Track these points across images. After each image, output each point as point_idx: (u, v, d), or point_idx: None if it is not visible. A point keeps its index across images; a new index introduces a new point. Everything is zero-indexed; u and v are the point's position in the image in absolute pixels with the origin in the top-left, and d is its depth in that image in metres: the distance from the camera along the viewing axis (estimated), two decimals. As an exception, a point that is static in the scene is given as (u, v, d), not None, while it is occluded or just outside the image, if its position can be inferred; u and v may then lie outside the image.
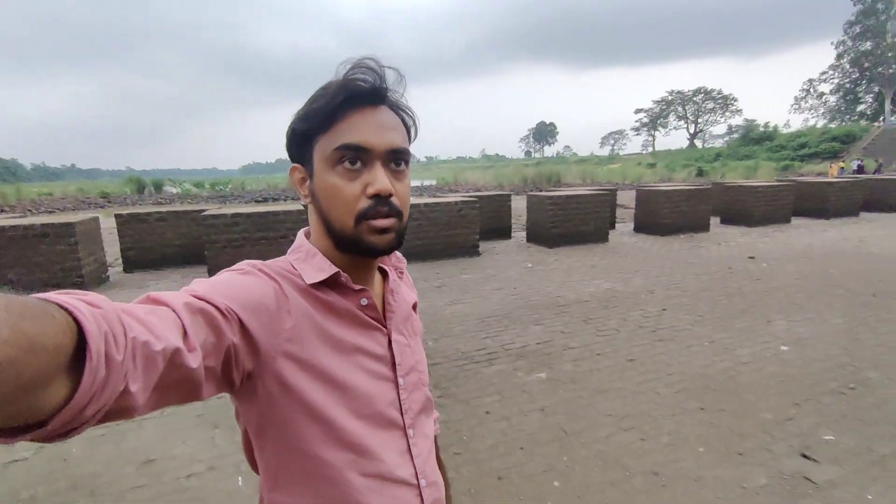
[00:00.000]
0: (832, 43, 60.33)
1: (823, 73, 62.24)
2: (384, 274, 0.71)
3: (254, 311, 0.53)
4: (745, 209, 9.84)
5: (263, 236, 6.30)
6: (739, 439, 2.39)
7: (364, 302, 0.63)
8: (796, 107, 65.47)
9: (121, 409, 0.39)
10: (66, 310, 0.34)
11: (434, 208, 7.21)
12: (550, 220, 8.03)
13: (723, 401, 2.76)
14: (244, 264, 0.60)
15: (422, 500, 0.66)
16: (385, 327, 0.66)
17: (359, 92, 0.57)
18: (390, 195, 0.58)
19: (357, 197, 0.58)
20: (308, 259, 0.63)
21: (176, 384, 0.44)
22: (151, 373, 0.40)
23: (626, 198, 11.40)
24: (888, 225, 9.58)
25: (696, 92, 79.49)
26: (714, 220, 9.85)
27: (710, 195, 9.44)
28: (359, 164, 0.58)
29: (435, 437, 0.84)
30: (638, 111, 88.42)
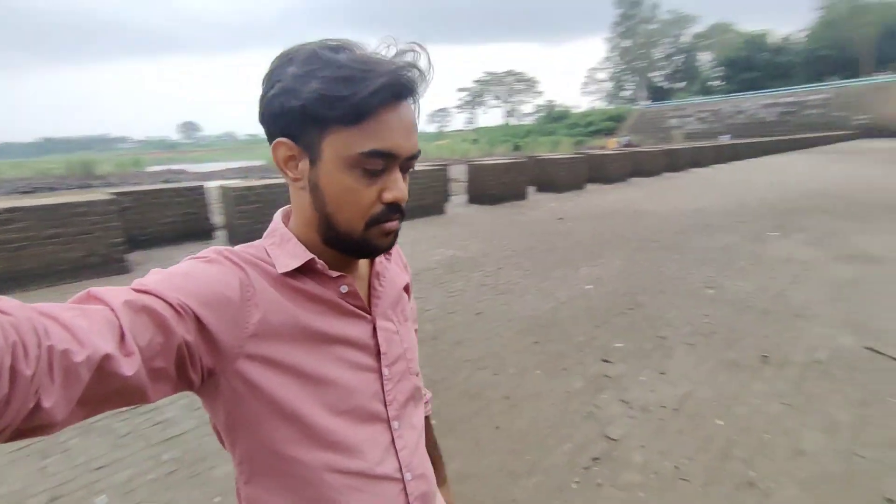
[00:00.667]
0: (605, 38, 73.20)
1: (600, 63, 75.22)
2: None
3: (213, 305, 0.48)
4: (553, 178, 11.62)
5: (57, 234, 5.16)
6: (562, 359, 3.05)
7: (344, 289, 0.58)
8: (584, 91, 78.18)
9: (35, 427, 0.36)
10: None
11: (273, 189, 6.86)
12: (393, 196, 8.32)
13: (550, 333, 3.45)
14: (210, 251, 0.54)
15: (406, 494, 0.62)
16: (369, 314, 0.61)
17: (403, 90, 0.51)
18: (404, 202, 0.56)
19: (372, 202, 0.54)
20: (282, 244, 0.57)
21: (111, 393, 0.40)
22: (73, 386, 0.36)
23: (457, 172, 12.41)
24: (647, 187, 12.38)
25: (508, 74, 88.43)
26: (531, 189, 11.40)
27: (527, 167, 10.91)
28: (380, 170, 0.53)
29: (427, 419, 0.82)
30: (461, 90, 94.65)
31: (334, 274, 0.58)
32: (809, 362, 2.88)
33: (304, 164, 0.54)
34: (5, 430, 0.34)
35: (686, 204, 9.17)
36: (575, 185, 12.02)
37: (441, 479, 0.88)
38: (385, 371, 0.62)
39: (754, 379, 2.72)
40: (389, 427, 0.62)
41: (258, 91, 0.55)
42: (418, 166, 9.28)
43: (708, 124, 46.39)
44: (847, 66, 53.74)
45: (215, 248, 0.55)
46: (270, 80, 0.53)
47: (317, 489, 0.56)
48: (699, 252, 5.58)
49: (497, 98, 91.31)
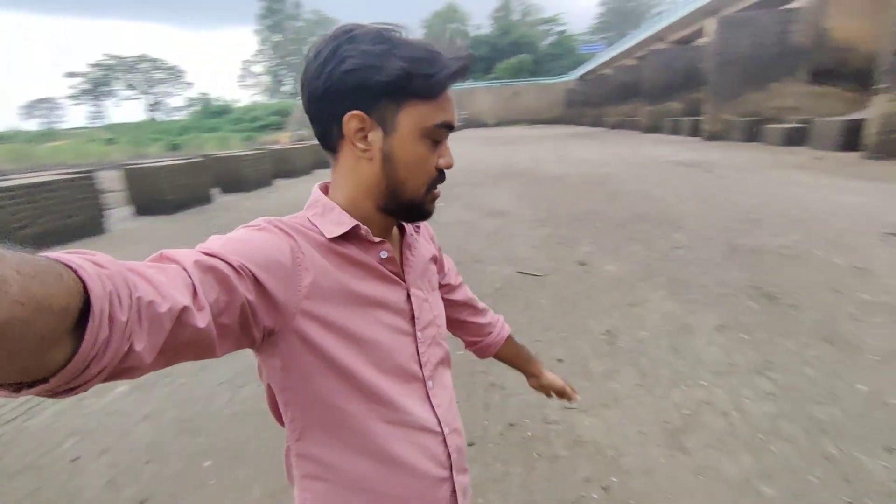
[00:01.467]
0: (254, 30, 70.86)
1: (254, 56, 72.74)
2: (401, 229, 0.70)
3: (269, 269, 0.52)
4: (238, 176, 10.87)
5: None
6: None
7: (384, 255, 0.63)
8: (241, 84, 74.18)
9: (128, 368, 0.39)
10: (72, 269, 0.34)
11: None
12: (17, 219, 6.06)
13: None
14: (261, 220, 0.57)
15: (446, 446, 0.68)
16: (404, 281, 0.67)
17: (467, 73, 0.59)
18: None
19: (434, 169, 0.62)
20: (325, 213, 0.61)
21: (186, 343, 0.43)
22: (157, 333, 0.40)
23: (108, 179, 9.95)
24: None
25: (141, 59, 74.32)
26: (215, 191, 10.34)
27: (207, 167, 9.80)
28: (440, 140, 0.62)
29: (511, 336, 0.97)
30: (72, 75, 73.52)
31: (376, 239, 0.62)
32: (493, 291, 3.94)
33: (374, 136, 0.59)
34: (104, 370, 0.37)
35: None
36: (263, 181, 11.63)
37: (539, 364, 1.03)
38: (419, 334, 0.67)
39: (468, 314, 3.53)
40: (425, 385, 0.68)
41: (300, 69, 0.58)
42: (44, 178, 6.99)
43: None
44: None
45: (265, 218, 0.58)
46: (335, 56, 0.56)
47: (364, 437, 0.61)
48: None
49: (132, 88, 75.69)
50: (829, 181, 7.96)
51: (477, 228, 6.18)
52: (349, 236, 0.60)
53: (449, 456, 0.69)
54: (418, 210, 0.64)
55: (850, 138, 11.29)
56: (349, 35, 0.56)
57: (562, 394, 1.04)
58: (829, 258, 4.23)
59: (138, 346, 0.38)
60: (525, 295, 3.82)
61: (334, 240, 0.59)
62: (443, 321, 0.74)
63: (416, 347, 0.67)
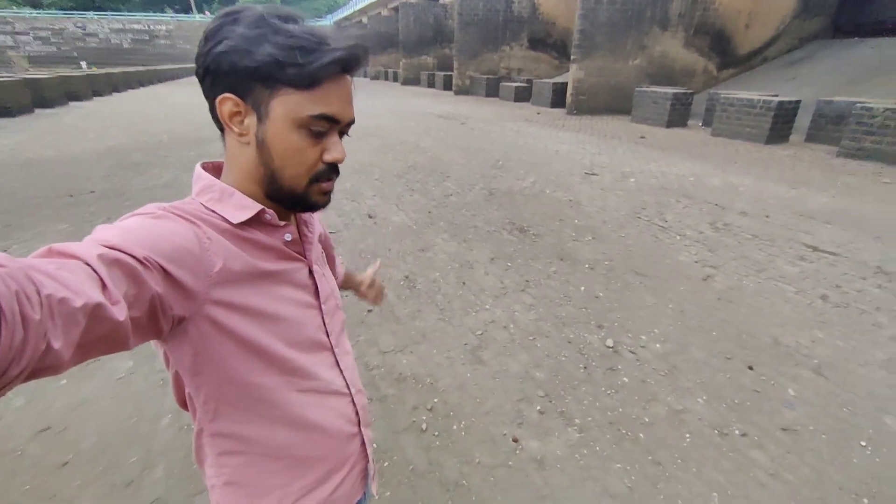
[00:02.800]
0: None
1: None
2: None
3: (177, 259, 0.51)
4: None
5: None
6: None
7: (289, 237, 0.65)
8: None
9: (47, 367, 0.39)
10: None
11: None
12: None
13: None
14: (153, 207, 0.55)
15: (354, 405, 0.75)
16: (306, 258, 0.69)
17: (352, 64, 0.58)
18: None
19: (316, 161, 0.61)
20: (225, 198, 0.60)
21: (101, 338, 0.43)
22: (73, 329, 0.39)
23: None
24: (21, 129, 9.87)
25: None
26: None
27: None
28: (323, 133, 0.60)
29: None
30: None
31: (282, 223, 0.64)
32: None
33: (250, 121, 0.58)
34: (23, 371, 0.36)
35: (88, 145, 8.17)
36: None
37: (358, 274, 1.14)
38: (323, 307, 0.71)
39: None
40: (333, 353, 0.73)
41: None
42: None
43: (55, 46, 39.50)
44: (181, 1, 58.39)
45: (157, 205, 0.56)
46: (216, 36, 0.55)
47: (281, 408, 0.65)
48: (147, 193, 5.45)
49: None
50: (547, 133, 10.10)
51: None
52: (253, 221, 0.61)
53: (357, 413, 0.76)
54: (301, 201, 0.63)
55: (558, 97, 14.39)
56: (235, 16, 0.56)
57: (371, 285, 1.18)
58: (555, 195, 5.53)
59: (56, 344, 0.38)
60: (324, 254, 3.84)
61: (239, 225, 0.59)
62: (338, 292, 0.80)
63: (322, 319, 0.71)
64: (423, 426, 2.07)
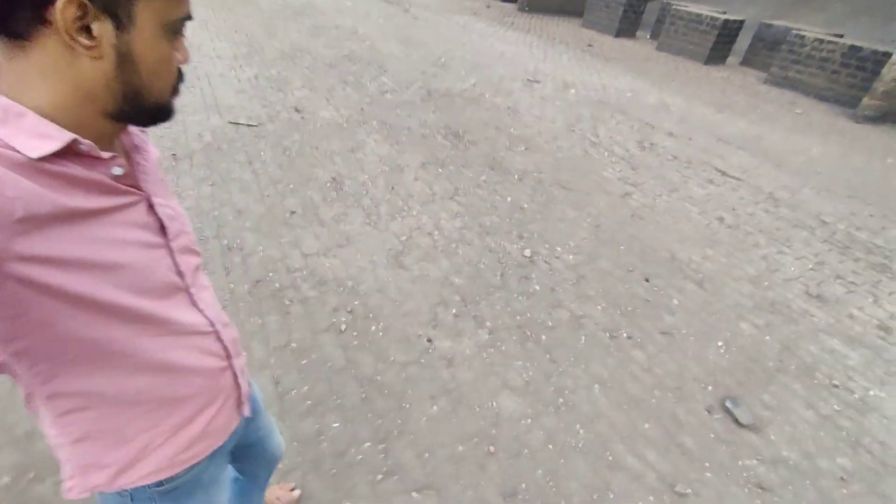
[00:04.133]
0: None
1: None
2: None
3: None
4: None
5: None
6: None
7: (117, 171, 0.55)
8: None
9: None
10: None
11: None
12: None
13: None
14: None
15: (221, 340, 0.71)
16: (142, 191, 0.59)
17: None
18: None
19: (176, 68, 0.56)
20: (11, 121, 0.46)
21: None
22: None
23: None
24: None
25: None
26: None
27: None
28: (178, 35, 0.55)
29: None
30: None
31: (106, 155, 0.53)
32: (204, 146, 3.49)
33: (103, 29, 0.47)
34: None
35: None
36: None
37: None
38: (173, 245, 0.63)
39: (179, 175, 3.09)
40: (188, 293, 0.67)
41: None
42: None
43: None
44: None
45: None
46: None
47: (134, 357, 0.59)
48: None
49: None
50: (494, 30, 9.49)
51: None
52: (64, 153, 0.49)
53: (225, 348, 0.73)
54: (164, 113, 0.58)
55: (509, -11, 13.32)
56: None
57: None
58: (494, 100, 5.37)
59: None
60: (243, 148, 3.55)
61: (43, 159, 0.47)
62: (189, 226, 0.69)
63: (173, 258, 0.63)
64: (343, 327, 2.15)
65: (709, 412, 1.99)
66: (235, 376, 0.76)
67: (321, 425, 1.72)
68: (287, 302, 2.24)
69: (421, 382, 1.94)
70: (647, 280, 2.74)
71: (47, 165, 0.47)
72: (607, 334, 2.32)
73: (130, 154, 0.61)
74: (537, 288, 2.56)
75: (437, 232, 2.91)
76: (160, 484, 0.69)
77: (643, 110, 5.66)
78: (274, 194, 3.04)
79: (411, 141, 4.07)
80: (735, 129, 5.42)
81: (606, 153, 4.35)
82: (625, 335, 2.33)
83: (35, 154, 0.46)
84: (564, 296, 2.53)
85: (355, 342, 2.09)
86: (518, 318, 2.35)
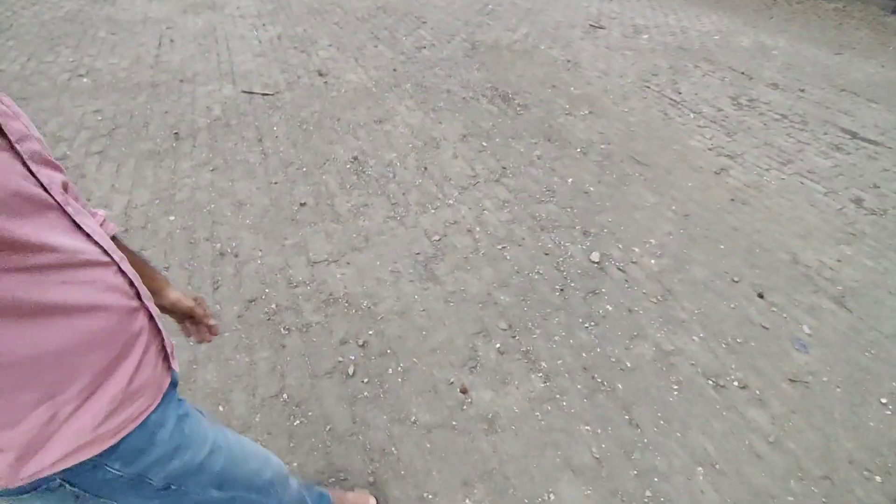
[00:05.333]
0: None
1: None
2: None
3: None
4: None
5: None
6: None
7: None
8: None
9: None
10: None
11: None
12: None
13: None
14: None
15: (123, 273, 0.60)
16: None
17: None
18: None
19: None
20: None
21: None
22: None
23: None
24: None
25: None
26: None
27: None
28: None
29: (117, 238, 0.74)
30: None
31: None
32: (211, 122, 3.03)
33: None
34: None
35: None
36: None
37: (164, 282, 0.83)
38: (18, 147, 0.50)
39: (177, 158, 2.66)
40: (65, 213, 0.54)
41: None
42: None
43: None
44: None
45: None
46: None
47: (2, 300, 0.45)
48: (38, 28, 4.28)
49: None
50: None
51: (178, 31, 4.52)
52: None
53: (132, 283, 0.62)
54: None
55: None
56: None
57: (192, 316, 0.86)
58: (550, 52, 4.52)
59: None
60: (254, 122, 3.06)
61: None
62: (38, 133, 0.56)
63: (24, 164, 0.51)
64: (351, 370, 1.65)
65: (877, 521, 1.35)
66: (152, 318, 0.65)
67: (311, 527, 1.26)
68: (284, 331, 1.76)
69: (450, 457, 1.42)
70: (760, 296, 2.03)
71: None
72: (710, 382, 1.68)
73: None
74: (609, 309, 1.93)
75: (478, 228, 2.31)
76: (96, 464, 0.56)
77: (736, 56, 4.60)
78: (283, 180, 2.54)
79: (450, 107, 3.40)
80: (861, 74, 4.28)
81: (692, 115, 3.48)
82: (736, 384, 1.68)
83: None
84: (646, 320, 1.89)
85: (366, 392, 1.59)
86: (584, 355, 1.75)
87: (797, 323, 1.92)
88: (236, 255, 2.06)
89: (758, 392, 1.65)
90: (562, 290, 2.01)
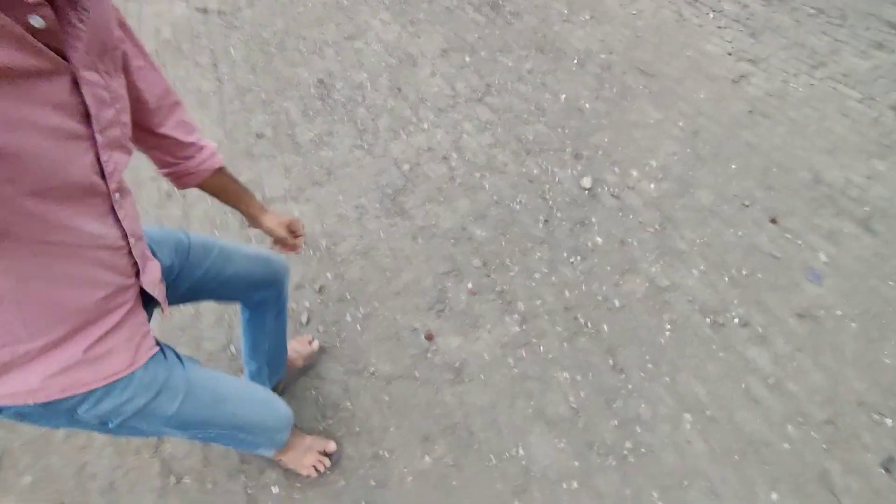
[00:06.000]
0: None
1: None
2: None
3: None
4: None
5: None
6: None
7: (39, 23, 0.40)
8: None
9: None
10: None
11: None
12: None
13: None
14: None
15: (131, 256, 0.61)
16: (69, 60, 0.45)
17: None
18: None
19: None
20: None
21: None
22: None
23: None
24: None
25: None
26: None
27: None
28: None
29: (224, 170, 0.85)
30: None
31: None
32: (159, 45, 2.70)
33: None
34: None
35: None
36: None
37: (260, 210, 0.94)
38: (98, 138, 0.50)
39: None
40: (110, 198, 0.55)
41: None
42: None
43: None
44: None
45: None
46: None
47: (11, 257, 0.47)
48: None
49: None
50: None
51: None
52: None
53: (135, 263, 0.62)
54: None
55: None
56: None
57: (293, 231, 0.98)
58: (549, -53, 3.92)
59: None
60: (209, 45, 2.72)
61: None
62: (128, 116, 0.57)
63: (97, 155, 0.51)
64: (305, 318, 1.49)
65: (887, 469, 1.20)
66: (141, 295, 0.66)
67: None
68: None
69: (410, 411, 1.30)
70: (773, 221, 1.79)
71: None
72: (708, 320, 1.50)
73: (64, 8, 0.44)
74: (599, 241, 1.72)
75: (455, 154, 2.06)
76: (47, 405, 0.58)
77: (768, -57, 3.95)
78: (239, 110, 2.27)
79: (431, 18, 2.99)
80: (914, -42, 3.65)
81: (712, 14, 3.01)
82: (736, 321, 1.49)
83: None
84: (640, 253, 1.68)
85: (323, 341, 1.44)
86: (567, 293, 1.57)
87: (812, 251, 1.69)
88: (184, 196, 1.86)
89: (760, 329, 1.47)
90: (546, 221, 1.79)
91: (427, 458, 1.21)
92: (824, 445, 1.23)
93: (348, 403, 1.31)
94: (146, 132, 0.70)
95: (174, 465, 1.19)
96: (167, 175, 0.79)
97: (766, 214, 1.81)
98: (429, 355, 1.41)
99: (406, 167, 1.99)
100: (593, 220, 1.79)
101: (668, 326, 1.48)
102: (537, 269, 1.63)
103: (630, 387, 1.34)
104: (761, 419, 1.28)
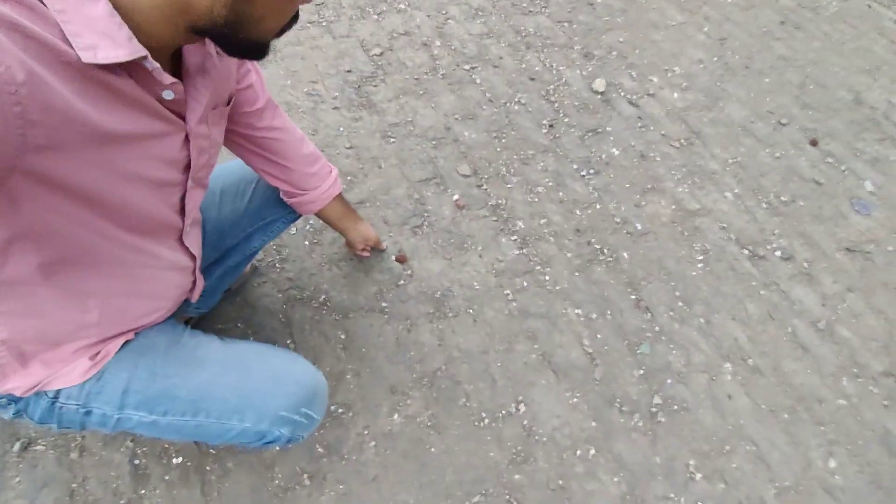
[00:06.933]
0: None
1: None
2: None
3: None
4: None
5: None
6: None
7: (170, 96, 0.43)
8: None
9: None
10: None
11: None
12: None
13: None
14: None
15: (194, 274, 0.64)
16: (184, 121, 0.47)
17: None
18: None
19: (297, 6, 0.44)
20: (77, 8, 0.34)
21: None
22: None
23: None
24: None
25: None
26: None
27: None
28: None
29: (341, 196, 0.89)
30: None
31: (168, 80, 0.42)
32: None
33: None
34: None
35: None
36: None
37: (358, 230, 0.95)
38: (189, 182, 0.53)
39: None
40: (181, 231, 0.57)
41: None
42: None
43: None
44: None
45: None
46: None
47: (103, 266, 0.50)
48: None
49: None
50: None
51: None
52: (124, 65, 0.38)
53: (194, 281, 0.65)
54: (258, 52, 0.44)
55: None
56: None
57: (374, 246, 1.01)
58: None
59: None
60: None
61: (98, 65, 0.36)
62: (216, 159, 0.60)
63: (183, 197, 0.54)
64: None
65: (955, 432, 1.00)
66: (187, 300, 0.68)
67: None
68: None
69: (375, 353, 0.96)
70: (813, 143, 1.51)
71: (96, 73, 0.37)
72: (746, 251, 1.22)
73: (192, 75, 0.47)
74: (615, 153, 1.39)
75: (438, 42, 1.62)
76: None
77: None
78: None
79: None
80: None
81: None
82: (778, 254, 1.23)
83: (90, 59, 0.35)
84: (665, 170, 1.37)
85: (258, 259, 1.06)
86: (577, 212, 1.24)
87: (858, 178, 1.43)
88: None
89: (806, 265, 1.21)
90: (551, 126, 1.42)
91: (396, 417, 0.90)
92: (885, 402, 1.01)
93: (289, 342, 0.96)
94: (268, 165, 0.76)
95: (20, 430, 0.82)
96: (291, 202, 0.81)
97: (804, 135, 1.53)
98: (401, 282, 1.06)
99: (376, 52, 1.55)
100: (608, 128, 1.44)
101: (700, 258, 1.19)
102: (540, 181, 1.29)
103: (657, 329, 1.06)
104: (812, 370, 1.04)
